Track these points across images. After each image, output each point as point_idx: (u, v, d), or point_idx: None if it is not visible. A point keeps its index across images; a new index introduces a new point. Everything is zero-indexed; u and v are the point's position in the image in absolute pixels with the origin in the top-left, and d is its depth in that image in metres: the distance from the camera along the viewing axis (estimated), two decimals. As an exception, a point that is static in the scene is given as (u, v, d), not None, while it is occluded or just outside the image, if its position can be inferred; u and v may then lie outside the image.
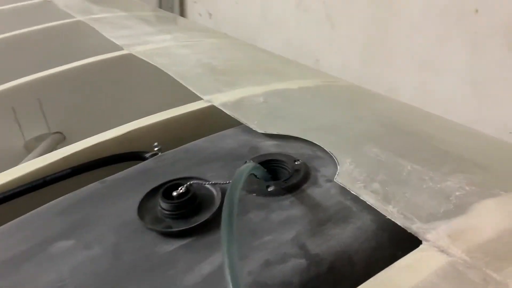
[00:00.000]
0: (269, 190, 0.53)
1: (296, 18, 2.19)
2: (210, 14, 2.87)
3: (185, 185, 0.51)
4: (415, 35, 1.67)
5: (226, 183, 0.55)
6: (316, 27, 2.13)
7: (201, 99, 0.79)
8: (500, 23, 1.32)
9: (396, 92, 1.78)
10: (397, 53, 1.76)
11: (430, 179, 0.54)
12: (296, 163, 0.58)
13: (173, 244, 0.48)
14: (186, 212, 0.50)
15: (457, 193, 0.51)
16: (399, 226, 0.47)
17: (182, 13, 3.03)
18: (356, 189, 0.52)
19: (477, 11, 1.38)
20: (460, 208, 0.48)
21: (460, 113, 1.50)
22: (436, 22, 1.54)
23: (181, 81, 0.83)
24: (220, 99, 0.77)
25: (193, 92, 0.81)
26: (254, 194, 0.54)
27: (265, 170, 0.56)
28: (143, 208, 0.52)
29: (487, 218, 0.47)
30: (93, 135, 0.70)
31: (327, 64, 2.13)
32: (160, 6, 2.80)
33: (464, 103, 1.57)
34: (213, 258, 0.45)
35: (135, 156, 0.67)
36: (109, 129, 0.71)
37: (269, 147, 0.64)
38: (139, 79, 0.92)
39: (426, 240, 0.44)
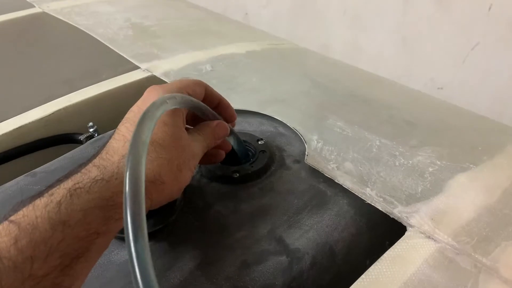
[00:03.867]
0: (235, 176, 0.48)
1: (222, -31, 2.05)
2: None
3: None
4: (347, -9, 1.62)
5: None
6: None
7: (136, 67, 0.69)
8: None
9: (327, 48, 1.76)
10: (328, 8, 1.73)
11: (401, 155, 0.51)
12: (259, 142, 0.53)
13: (131, 250, 0.41)
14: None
15: (430, 169, 0.49)
16: (377, 209, 0.44)
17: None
18: (330, 171, 0.48)
19: (408, -34, 1.37)
20: (436, 186, 0.47)
21: (390, 69, 1.53)
22: (368, -23, 1.50)
23: (111, 47, 0.72)
24: (161, 67, 0.68)
25: (126, 59, 0.71)
26: (218, 183, 0.48)
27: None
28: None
29: (464, 195, 0.45)
30: (6, 115, 0.58)
31: (256, 18, 2.05)
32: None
33: (394, 58, 1.59)
34: (180, 264, 0.39)
35: (68, 139, 0.58)
36: (24, 106, 0.59)
37: (226, 124, 0.57)
38: (56, 43, 0.78)
39: (411, 226, 0.42)
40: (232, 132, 0.45)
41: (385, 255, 0.39)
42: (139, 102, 0.36)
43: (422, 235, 0.41)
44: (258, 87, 0.65)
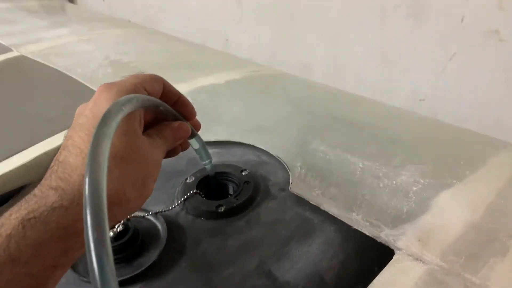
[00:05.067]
0: (220, 211, 0.48)
1: (199, -3, 2.07)
2: (102, -4, 2.63)
3: (122, 221, 0.44)
4: (323, 10, 1.67)
5: (168, 210, 0.48)
6: (222, 6, 2.06)
7: (117, 105, 0.69)
8: (403, -6, 1.35)
9: (309, 67, 1.78)
10: (307, 29, 1.76)
11: (384, 176, 0.51)
12: (243, 173, 0.52)
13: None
14: (128, 255, 0.42)
15: (414, 188, 0.49)
16: (364, 234, 0.44)
17: (71, -4, 2.75)
18: (315, 198, 0.48)
19: (380, -17, 1.40)
20: (421, 206, 0.47)
21: (372, 84, 1.54)
22: (343, -4, 1.53)
23: (90, 86, 0.72)
24: (141, 103, 0.68)
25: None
26: (203, 218, 0.48)
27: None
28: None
29: (449, 213, 0.46)
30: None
31: (237, 43, 2.07)
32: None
33: (375, 74, 1.61)
34: (170, 307, 0.39)
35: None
36: (5, 151, 0.58)
37: (209, 157, 0.57)
38: (37, 86, 0.78)
39: (398, 249, 0.42)
40: (193, 134, 0.43)
41: (374, 281, 0.39)
42: (90, 105, 0.32)
43: (410, 257, 0.41)
44: (240, 116, 0.65)
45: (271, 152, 0.56)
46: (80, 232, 0.26)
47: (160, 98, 0.37)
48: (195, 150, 0.47)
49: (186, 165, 0.56)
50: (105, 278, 0.21)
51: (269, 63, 1.86)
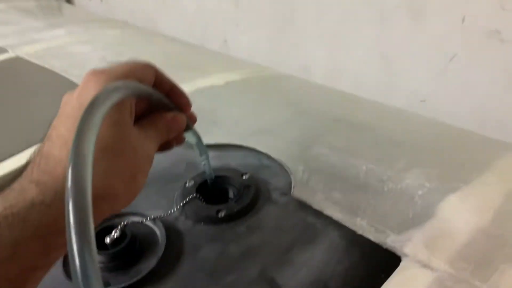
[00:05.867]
0: (220, 216, 0.46)
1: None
2: (100, -2, 2.62)
3: (119, 227, 0.42)
4: (322, 12, 1.66)
5: (167, 215, 0.47)
6: (219, 8, 2.06)
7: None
8: (403, -5, 1.34)
9: (308, 70, 1.77)
10: (306, 31, 1.75)
11: (389, 179, 0.50)
12: (244, 177, 0.51)
13: (114, 305, 0.39)
14: (125, 262, 0.41)
15: (419, 192, 0.48)
16: (370, 239, 0.43)
17: (69, -2, 2.73)
18: (318, 203, 0.46)
19: (380, -16, 1.39)
20: (427, 210, 0.45)
21: (372, 85, 1.53)
22: (342, -2, 1.52)
23: (87, 88, 0.70)
24: (139, 105, 0.66)
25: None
26: (203, 223, 0.46)
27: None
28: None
29: (456, 218, 0.44)
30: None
31: (235, 44, 2.06)
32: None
33: (375, 75, 1.60)
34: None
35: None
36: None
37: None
38: (33, 88, 0.77)
39: (405, 255, 0.40)
40: (188, 127, 0.40)
41: (381, 289, 0.37)
42: (76, 93, 0.30)
43: (418, 264, 0.39)
44: (240, 119, 0.64)
45: (272, 155, 0.55)
46: (62, 230, 0.23)
47: (152, 87, 0.35)
48: (192, 144, 0.45)
49: (185, 169, 0.55)
50: (88, 281, 0.19)
51: (268, 64, 1.84)
